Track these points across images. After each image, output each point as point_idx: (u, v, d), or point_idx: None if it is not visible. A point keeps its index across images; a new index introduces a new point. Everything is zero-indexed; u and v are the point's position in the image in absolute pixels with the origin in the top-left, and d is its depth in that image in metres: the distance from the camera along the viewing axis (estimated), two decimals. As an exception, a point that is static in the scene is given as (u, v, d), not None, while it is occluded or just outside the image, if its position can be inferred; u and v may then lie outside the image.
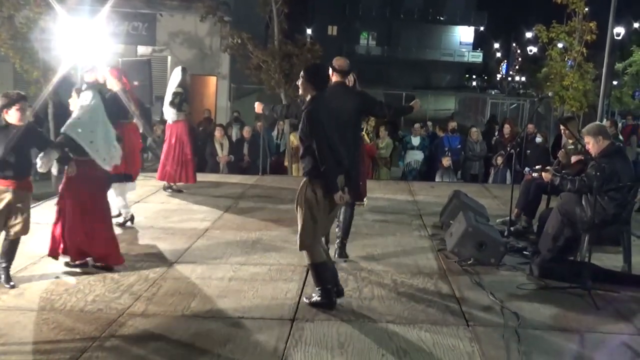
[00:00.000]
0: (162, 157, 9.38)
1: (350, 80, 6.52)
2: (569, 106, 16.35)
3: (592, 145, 6.03)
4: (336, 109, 5.55)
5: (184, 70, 9.09)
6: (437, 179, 12.50)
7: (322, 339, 4.52)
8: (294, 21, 19.01)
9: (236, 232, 7.40)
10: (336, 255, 6.29)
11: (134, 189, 7.92)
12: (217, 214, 8.30)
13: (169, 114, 9.21)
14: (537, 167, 7.01)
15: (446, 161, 12.40)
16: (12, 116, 5.34)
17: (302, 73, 5.07)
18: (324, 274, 5.05)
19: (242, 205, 8.93)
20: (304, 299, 5.18)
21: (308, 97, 4.99)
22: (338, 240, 6.39)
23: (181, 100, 9.02)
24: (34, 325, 4.59)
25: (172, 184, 9.51)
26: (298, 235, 5.03)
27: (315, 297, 5.09)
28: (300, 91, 5.12)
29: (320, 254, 5.05)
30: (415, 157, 12.94)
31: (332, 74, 6.11)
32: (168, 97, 9.12)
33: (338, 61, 6.21)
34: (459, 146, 12.71)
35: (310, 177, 4.91)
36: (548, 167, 6.82)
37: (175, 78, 9.01)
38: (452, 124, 13.63)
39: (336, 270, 5.34)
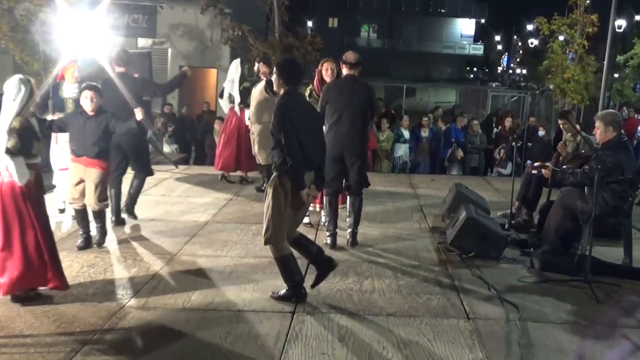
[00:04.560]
0: (221, 147, 9.70)
1: (328, 72, 6.85)
2: (570, 99, 16.34)
3: (600, 132, 6.02)
4: (346, 98, 6.27)
5: (242, 63, 9.46)
6: (454, 172, 12.49)
7: (322, 332, 4.53)
8: (295, 13, 18.99)
9: (237, 224, 7.39)
10: (349, 245, 6.58)
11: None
12: (217, 206, 8.30)
13: (227, 105, 9.63)
14: (536, 163, 7.00)
15: (460, 153, 12.39)
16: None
17: (274, 69, 5.13)
18: (289, 267, 5.03)
19: (243, 198, 8.93)
20: (271, 294, 5.15)
21: (281, 92, 5.02)
22: (350, 230, 6.62)
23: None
24: (35, 318, 4.59)
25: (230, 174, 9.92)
26: (263, 229, 4.98)
27: (283, 292, 5.08)
28: (275, 86, 5.14)
29: (286, 247, 5.02)
30: (406, 150, 12.93)
31: (342, 67, 6.51)
32: (233, 90, 9.39)
33: (346, 54, 6.55)
34: (464, 140, 12.69)
35: (279, 172, 4.91)
36: (547, 164, 6.81)
37: (235, 71, 9.22)
38: (463, 120, 13.53)
39: (320, 247, 5.37)
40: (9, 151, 4.67)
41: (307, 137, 4.93)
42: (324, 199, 6.75)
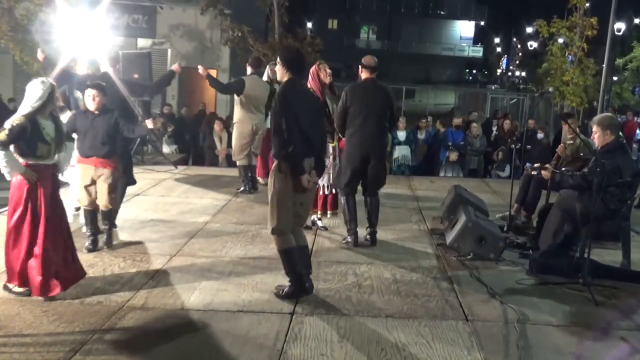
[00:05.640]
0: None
1: (328, 74, 6.85)
2: (569, 101, 16.37)
3: (598, 136, 6.01)
4: (371, 101, 6.56)
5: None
6: (441, 173, 12.49)
7: (321, 333, 4.53)
8: (295, 14, 19.01)
9: (236, 225, 7.40)
10: (370, 244, 6.74)
11: None
12: (216, 207, 8.30)
13: None
14: (535, 165, 7.01)
15: (453, 156, 12.39)
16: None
17: (278, 58, 5.17)
18: (293, 259, 5.08)
19: (242, 198, 8.93)
20: (275, 291, 5.19)
21: (284, 80, 5.06)
22: (369, 230, 6.80)
23: None
24: (34, 317, 4.60)
25: None
26: (268, 219, 5.06)
27: (286, 288, 5.13)
28: (278, 76, 5.19)
29: (290, 240, 5.06)
30: (403, 152, 12.89)
31: (362, 71, 6.72)
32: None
33: (366, 59, 6.74)
34: (462, 142, 12.70)
35: (279, 159, 4.96)
36: (547, 165, 6.83)
37: (266, 76, 9.28)
38: (457, 120, 13.57)
39: (310, 262, 5.37)
40: None
41: (307, 124, 4.97)
42: (342, 199, 6.84)
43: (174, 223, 7.40)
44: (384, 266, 6.10)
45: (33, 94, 4.95)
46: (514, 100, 29.93)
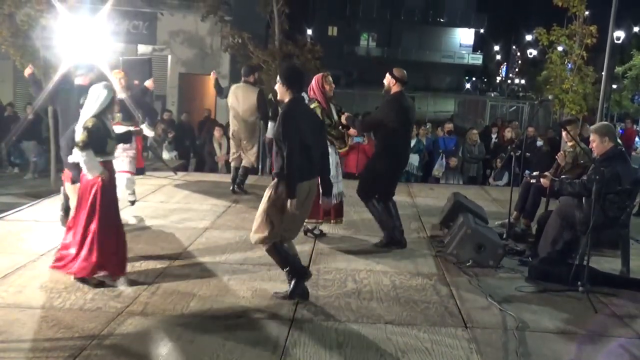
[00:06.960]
0: None
1: (333, 87, 6.94)
2: (568, 109, 16.37)
3: (596, 144, 6.04)
4: (410, 113, 6.91)
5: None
6: (442, 180, 12.47)
7: (320, 339, 4.53)
8: (295, 21, 19.00)
9: (235, 231, 7.40)
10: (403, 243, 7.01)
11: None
12: (216, 213, 8.31)
13: None
14: (534, 173, 7.01)
15: (453, 162, 12.37)
16: None
17: (278, 77, 5.14)
18: (281, 251, 5.15)
19: (241, 204, 8.94)
20: (279, 297, 5.21)
21: (286, 100, 5.07)
22: (396, 229, 7.03)
23: None
24: (33, 323, 4.59)
25: None
26: (254, 228, 5.10)
27: (287, 289, 5.17)
28: (278, 94, 5.16)
29: (272, 239, 5.09)
30: (410, 160, 12.78)
31: (394, 83, 6.81)
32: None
33: (398, 72, 6.84)
34: (454, 148, 12.69)
35: (279, 178, 5.00)
36: (546, 173, 6.84)
37: None
38: (449, 126, 13.61)
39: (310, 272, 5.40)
40: (77, 145, 5.14)
41: (310, 143, 4.97)
42: (375, 207, 6.99)
43: (174, 229, 7.40)
44: (383, 273, 6.10)
45: (98, 96, 5.28)
46: (513, 108, 29.99)
